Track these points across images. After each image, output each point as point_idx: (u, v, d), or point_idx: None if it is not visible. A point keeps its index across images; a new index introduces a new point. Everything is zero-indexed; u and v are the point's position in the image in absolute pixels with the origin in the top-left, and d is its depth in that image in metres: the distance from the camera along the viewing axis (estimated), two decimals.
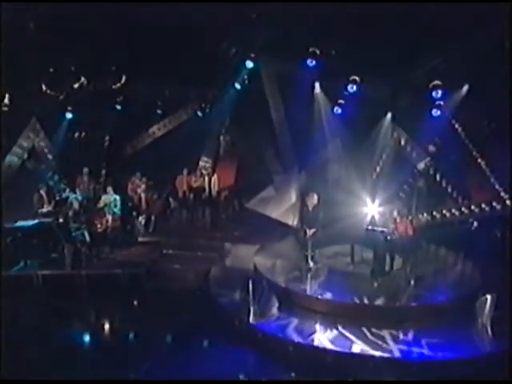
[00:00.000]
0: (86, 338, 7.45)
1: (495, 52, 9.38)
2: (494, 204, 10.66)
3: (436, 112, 10.28)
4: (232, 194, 13.03)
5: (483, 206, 10.87)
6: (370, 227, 8.40)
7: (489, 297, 7.02)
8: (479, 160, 11.08)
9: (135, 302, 8.41)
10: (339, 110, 10.99)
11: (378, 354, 6.27)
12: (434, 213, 11.44)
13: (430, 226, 11.12)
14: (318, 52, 9.28)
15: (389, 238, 8.06)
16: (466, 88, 10.10)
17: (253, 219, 11.46)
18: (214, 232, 11.38)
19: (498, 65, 9.34)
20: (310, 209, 8.72)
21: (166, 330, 7.25)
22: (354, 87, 10.04)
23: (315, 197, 8.73)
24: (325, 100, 10.72)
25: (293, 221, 10.61)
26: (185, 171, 12.14)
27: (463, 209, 11.13)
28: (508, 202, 10.50)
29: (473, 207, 11.05)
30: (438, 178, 11.58)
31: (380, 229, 8.23)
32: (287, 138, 11.68)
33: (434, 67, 9.67)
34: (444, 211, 11.34)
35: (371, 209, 9.40)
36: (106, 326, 7.82)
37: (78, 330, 7.63)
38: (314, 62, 9.34)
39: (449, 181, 11.52)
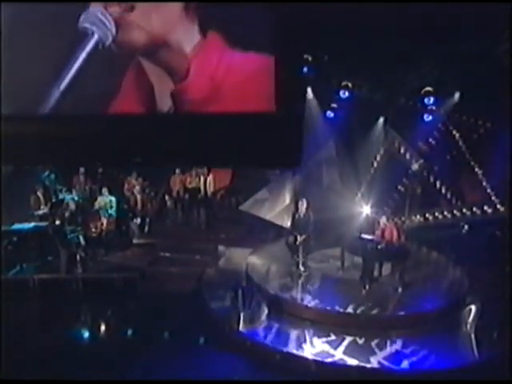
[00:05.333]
0: (81, 340, 7.64)
1: (489, 55, 9.38)
2: (486, 208, 10.79)
3: (428, 117, 10.32)
4: (228, 193, 13.12)
5: (474, 209, 11.00)
6: (359, 235, 8.49)
7: (473, 306, 7.18)
8: (472, 163, 11.21)
9: (129, 306, 8.53)
10: (332, 114, 11.04)
11: (364, 364, 6.39)
12: (427, 215, 11.59)
13: (423, 228, 11.25)
14: (310, 59, 9.32)
15: (379, 247, 8.17)
16: (457, 95, 10.13)
17: (249, 219, 11.60)
18: (210, 233, 11.49)
19: (492, 66, 9.36)
20: (302, 215, 8.83)
21: (157, 335, 7.42)
22: (347, 93, 10.09)
23: (304, 203, 8.82)
24: (317, 104, 10.75)
25: (286, 223, 10.72)
26: (177, 170, 12.19)
27: (455, 211, 11.27)
28: (499, 206, 10.63)
29: (464, 210, 11.18)
30: (431, 179, 11.69)
31: (369, 237, 8.34)
32: None
33: (425, 73, 9.69)
34: (436, 213, 11.48)
35: (364, 212, 9.54)
36: (100, 330, 8.00)
37: (73, 333, 7.77)
38: (306, 69, 9.39)
39: (442, 182, 11.64)
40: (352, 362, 6.45)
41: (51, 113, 7.81)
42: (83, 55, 7.59)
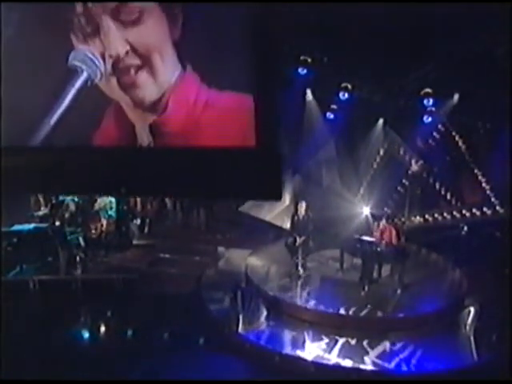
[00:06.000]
0: (81, 341, 7.67)
1: (489, 55, 9.37)
2: (485, 209, 10.80)
3: (427, 118, 10.34)
4: None
5: (474, 210, 11.01)
6: (359, 237, 8.49)
7: (472, 308, 7.18)
8: (471, 164, 11.22)
9: (129, 307, 8.53)
10: (331, 116, 11.06)
11: (363, 366, 6.39)
12: (427, 216, 11.60)
13: (422, 229, 11.25)
14: (309, 60, 9.33)
15: (379, 249, 8.17)
16: (457, 96, 10.13)
17: (248, 220, 11.62)
18: (209, 235, 11.51)
19: (492, 67, 9.35)
20: (301, 216, 8.84)
21: (157, 336, 7.43)
22: (346, 94, 10.10)
23: (304, 205, 8.84)
24: (317, 106, 10.78)
25: (286, 224, 10.73)
26: None
27: (455, 212, 11.28)
28: (498, 207, 10.64)
29: (464, 211, 11.19)
30: (431, 180, 11.70)
31: (369, 239, 8.34)
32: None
33: (425, 74, 9.69)
34: (436, 214, 11.48)
35: (364, 213, 9.55)
36: (100, 331, 8.02)
37: (73, 334, 7.80)
38: (305, 71, 9.41)
39: (442, 183, 11.64)
40: (350, 364, 6.43)
41: (43, 145, 8.04)
42: (73, 91, 7.74)
